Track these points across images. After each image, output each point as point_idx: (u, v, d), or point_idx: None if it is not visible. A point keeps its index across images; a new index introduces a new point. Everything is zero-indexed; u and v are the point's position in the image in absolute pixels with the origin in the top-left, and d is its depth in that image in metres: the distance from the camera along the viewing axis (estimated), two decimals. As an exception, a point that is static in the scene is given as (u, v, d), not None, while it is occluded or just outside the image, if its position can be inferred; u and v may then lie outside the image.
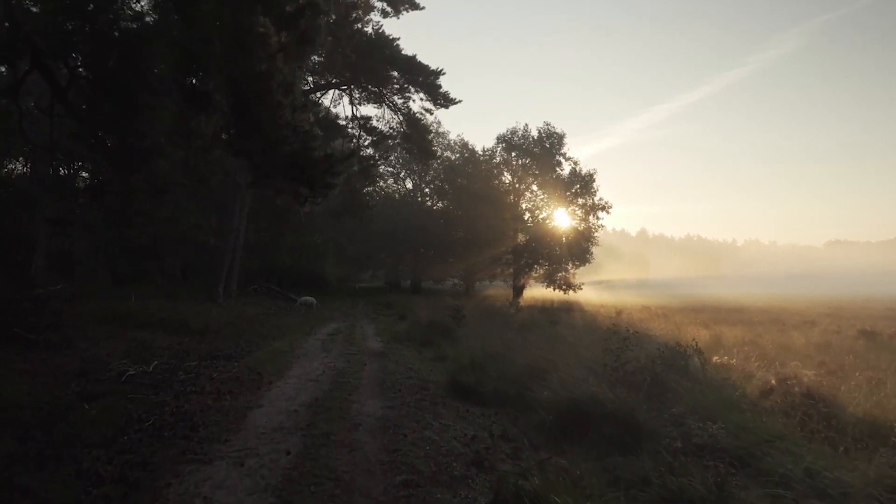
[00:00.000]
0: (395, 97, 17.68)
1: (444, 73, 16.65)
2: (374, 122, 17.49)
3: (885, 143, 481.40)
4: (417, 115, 17.42)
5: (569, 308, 24.62)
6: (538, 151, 33.79)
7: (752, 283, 72.83)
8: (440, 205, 39.65)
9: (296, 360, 8.80)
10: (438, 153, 22.53)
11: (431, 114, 17.22)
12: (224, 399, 5.92)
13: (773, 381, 6.02)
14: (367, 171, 15.70)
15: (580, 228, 33.35)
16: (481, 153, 36.19)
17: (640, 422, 4.79)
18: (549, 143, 33.80)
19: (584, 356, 7.64)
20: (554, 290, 33.48)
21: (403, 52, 16.47)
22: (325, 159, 5.56)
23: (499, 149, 35.45)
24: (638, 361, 6.24)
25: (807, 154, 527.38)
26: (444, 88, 16.71)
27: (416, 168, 39.15)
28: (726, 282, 75.84)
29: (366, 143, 16.50)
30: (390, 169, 38.88)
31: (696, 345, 8.02)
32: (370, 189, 28.64)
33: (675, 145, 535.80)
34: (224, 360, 8.47)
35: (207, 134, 5.61)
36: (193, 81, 5.75)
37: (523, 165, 34.85)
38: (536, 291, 36.48)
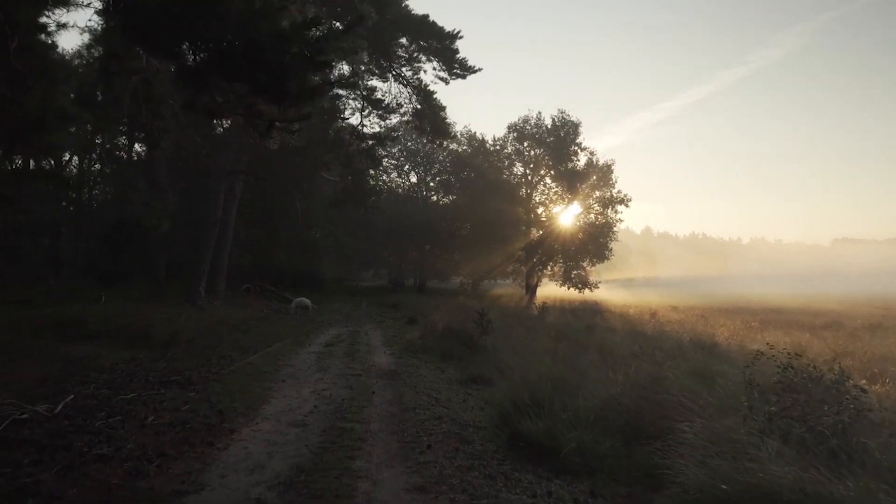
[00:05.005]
0: (404, 68, 15.29)
1: (461, 37, 14.22)
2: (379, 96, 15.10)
3: (889, 140, 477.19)
4: (430, 87, 15.05)
5: (593, 309, 22.33)
6: (552, 141, 31.49)
7: (772, 281, 70.31)
8: (446, 200, 37.30)
9: (278, 387, 6.46)
10: (452, 133, 20.10)
11: (447, 83, 14.78)
12: (144, 473, 3.58)
13: None
14: (373, 151, 13.29)
15: (597, 223, 31.21)
16: (491, 143, 33.82)
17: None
18: (564, 133, 31.47)
19: (691, 383, 5.25)
20: (568, 288, 31.38)
21: (413, 12, 14.12)
22: (301, 31, 2.95)
23: (510, 138, 33.12)
24: (819, 419, 3.80)
25: (810, 152, 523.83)
26: (462, 55, 14.36)
27: (420, 160, 36.87)
28: (742, 280, 73.18)
29: (367, 112, 14.03)
30: (393, 161, 36.60)
31: (841, 368, 5.69)
32: (374, 183, 26.31)
33: (677, 144, 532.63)
34: (178, 387, 6.13)
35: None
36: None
37: (536, 156, 32.56)
38: (549, 290, 34.23)
